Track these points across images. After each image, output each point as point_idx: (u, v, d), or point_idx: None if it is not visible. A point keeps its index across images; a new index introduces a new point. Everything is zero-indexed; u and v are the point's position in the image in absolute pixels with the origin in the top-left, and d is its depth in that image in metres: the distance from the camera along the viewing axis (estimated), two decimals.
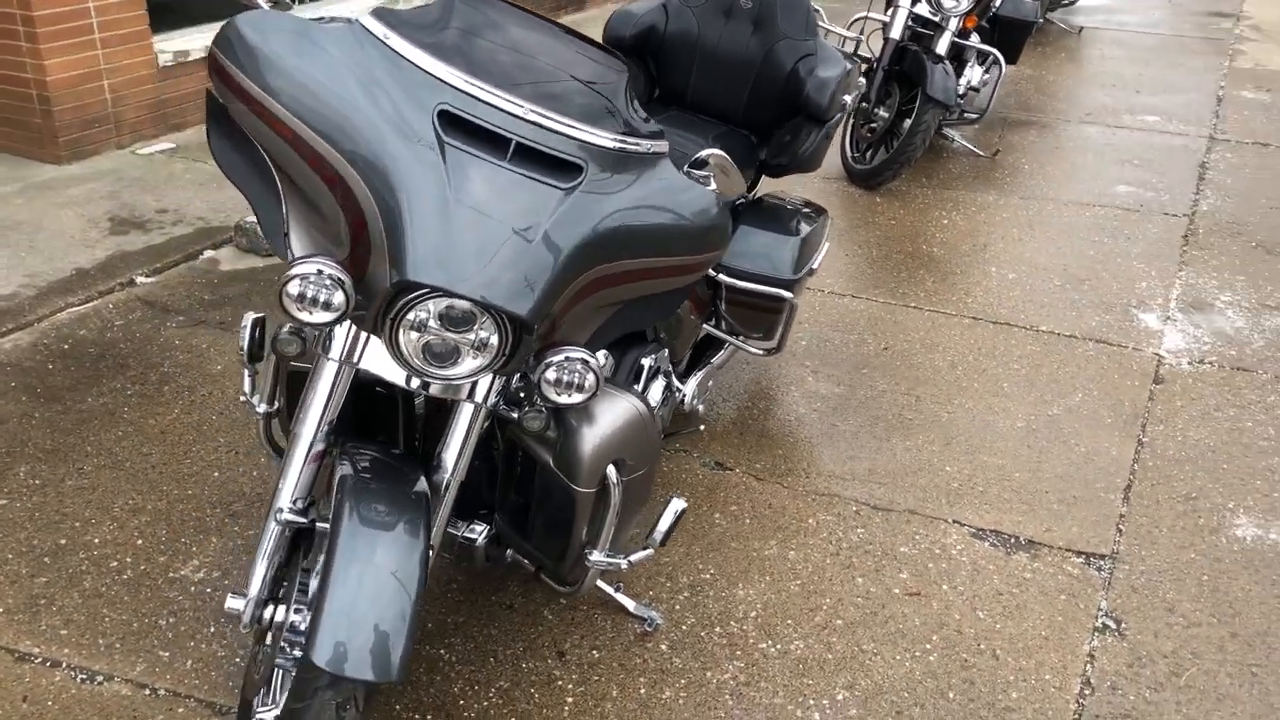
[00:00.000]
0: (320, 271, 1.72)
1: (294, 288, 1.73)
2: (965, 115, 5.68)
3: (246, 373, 2.31)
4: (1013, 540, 2.88)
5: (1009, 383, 3.65)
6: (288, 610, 1.92)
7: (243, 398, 2.31)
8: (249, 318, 2.29)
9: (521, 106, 1.84)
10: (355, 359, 1.91)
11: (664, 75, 3.21)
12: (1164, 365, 3.80)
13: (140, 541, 2.73)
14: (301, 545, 2.03)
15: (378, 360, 1.92)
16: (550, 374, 1.89)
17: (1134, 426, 3.42)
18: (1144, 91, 7.30)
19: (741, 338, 3.10)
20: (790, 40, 3.08)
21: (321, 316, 1.76)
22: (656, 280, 2.05)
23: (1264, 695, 2.42)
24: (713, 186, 2.12)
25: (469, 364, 1.81)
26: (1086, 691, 2.41)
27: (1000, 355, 3.83)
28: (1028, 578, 2.75)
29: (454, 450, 1.99)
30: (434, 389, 1.94)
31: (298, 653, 1.95)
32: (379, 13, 1.93)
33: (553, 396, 1.90)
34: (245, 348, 2.28)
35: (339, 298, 1.74)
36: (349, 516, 1.81)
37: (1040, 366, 3.76)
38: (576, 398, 1.91)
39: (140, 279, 4.09)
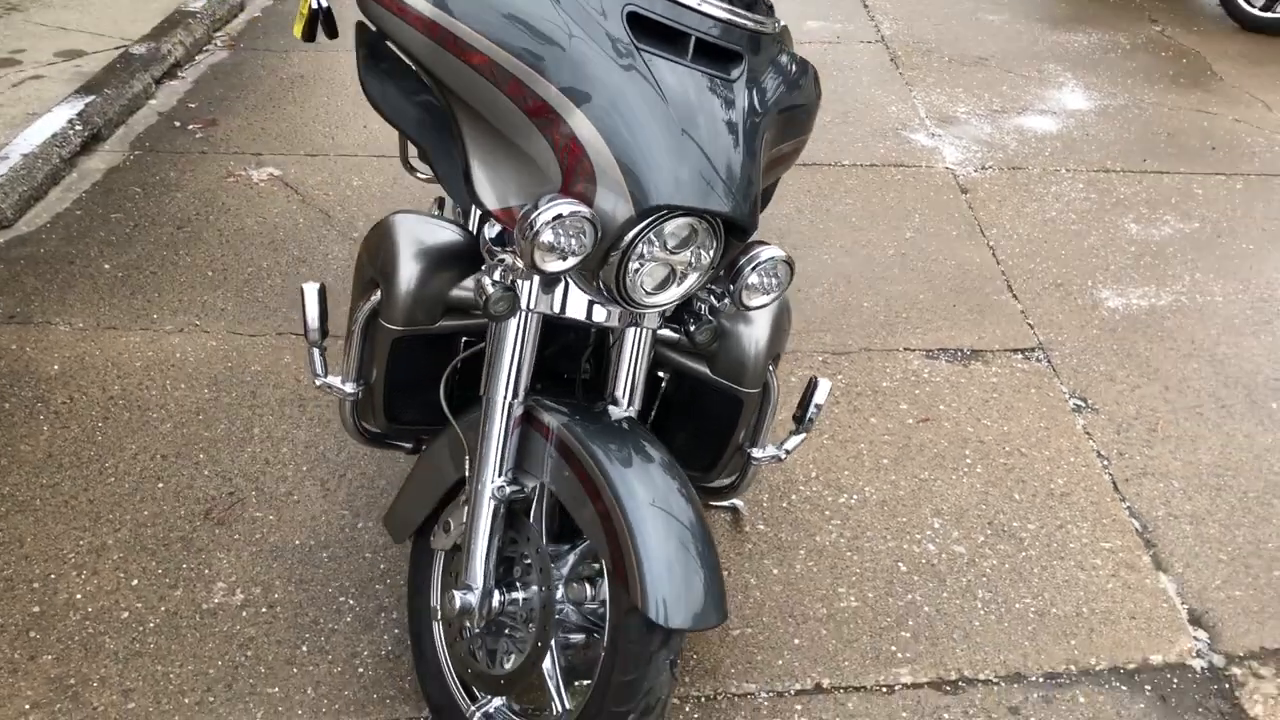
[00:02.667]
0: (572, 214, 1.51)
1: (548, 236, 1.51)
2: None
3: (317, 353, 1.99)
4: (960, 353, 3.16)
5: (856, 218, 3.90)
6: (549, 590, 1.74)
7: (318, 381, 1.98)
8: (311, 289, 1.97)
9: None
10: (548, 305, 1.73)
11: None
12: (959, 177, 4.23)
13: (135, 582, 2.27)
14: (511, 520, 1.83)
15: (569, 301, 1.74)
16: (753, 278, 1.77)
17: (975, 233, 3.81)
18: None
19: None
20: None
21: (569, 264, 1.56)
22: (783, 166, 2.00)
23: (1219, 426, 2.90)
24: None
25: (686, 284, 1.68)
26: (1104, 462, 2.75)
27: (830, 194, 4.06)
28: (995, 381, 3.04)
29: (627, 380, 1.85)
30: (618, 319, 1.79)
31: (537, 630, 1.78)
32: None
33: (752, 301, 1.80)
34: (316, 325, 1.96)
35: (588, 240, 1.55)
36: (611, 464, 1.67)
37: (869, 198, 4.04)
38: (770, 298, 1.83)
39: None
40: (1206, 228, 3.91)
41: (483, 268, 1.69)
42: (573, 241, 1.53)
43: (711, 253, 1.65)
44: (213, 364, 2.94)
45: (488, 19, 1.54)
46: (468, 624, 1.80)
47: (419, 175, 2.97)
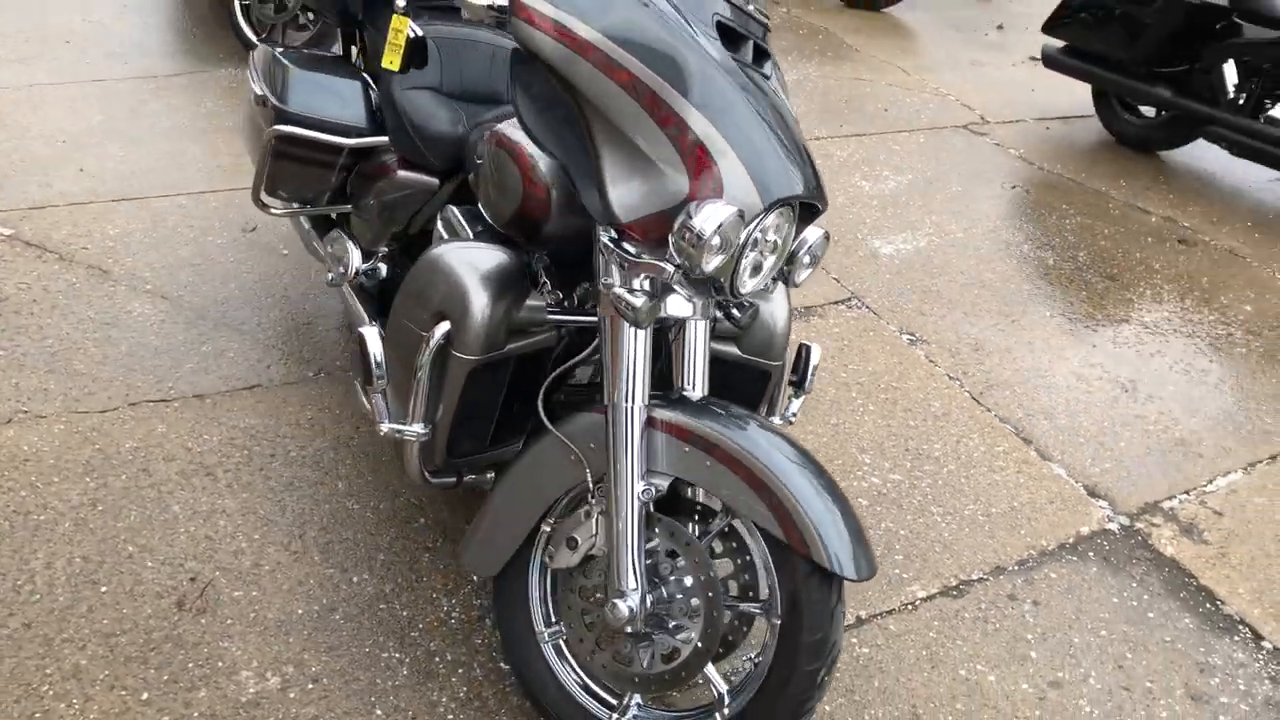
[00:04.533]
0: (730, 216, 1.60)
1: (717, 240, 1.59)
2: None
3: (381, 399, 1.91)
4: (796, 311, 3.47)
5: None
6: (709, 577, 1.80)
7: (384, 428, 1.91)
8: (372, 334, 1.90)
9: (751, 3, 1.84)
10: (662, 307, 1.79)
11: None
12: None
13: (144, 695, 2.01)
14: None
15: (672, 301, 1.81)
16: (805, 256, 1.93)
17: None
18: None
19: None
20: None
21: (722, 260, 1.65)
22: None
23: (1018, 337, 3.43)
24: None
25: (768, 267, 1.81)
26: (958, 383, 3.18)
27: None
28: (838, 331, 3.38)
29: (692, 366, 1.94)
30: (700, 311, 1.87)
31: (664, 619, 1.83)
32: None
33: (799, 277, 1.96)
34: (382, 370, 1.89)
35: (736, 237, 1.65)
36: (746, 440, 1.74)
37: None
38: (810, 272, 2.00)
39: None
40: (919, 178, 4.53)
41: (607, 282, 1.72)
42: (732, 240, 1.62)
43: (790, 236, 1.78)
44: (75, 450, 2.58)
45: (633, 40, 1.60)
46: (629, 630, 1.80)
47: (272, 211, 2.80)
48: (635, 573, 1.78)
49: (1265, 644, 2.35)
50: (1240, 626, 2.39)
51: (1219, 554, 2.59)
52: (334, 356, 3.02)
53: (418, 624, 2.20)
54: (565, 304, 2.02)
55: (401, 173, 2.47)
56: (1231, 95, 4.41)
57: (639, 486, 1.76)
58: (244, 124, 2.92)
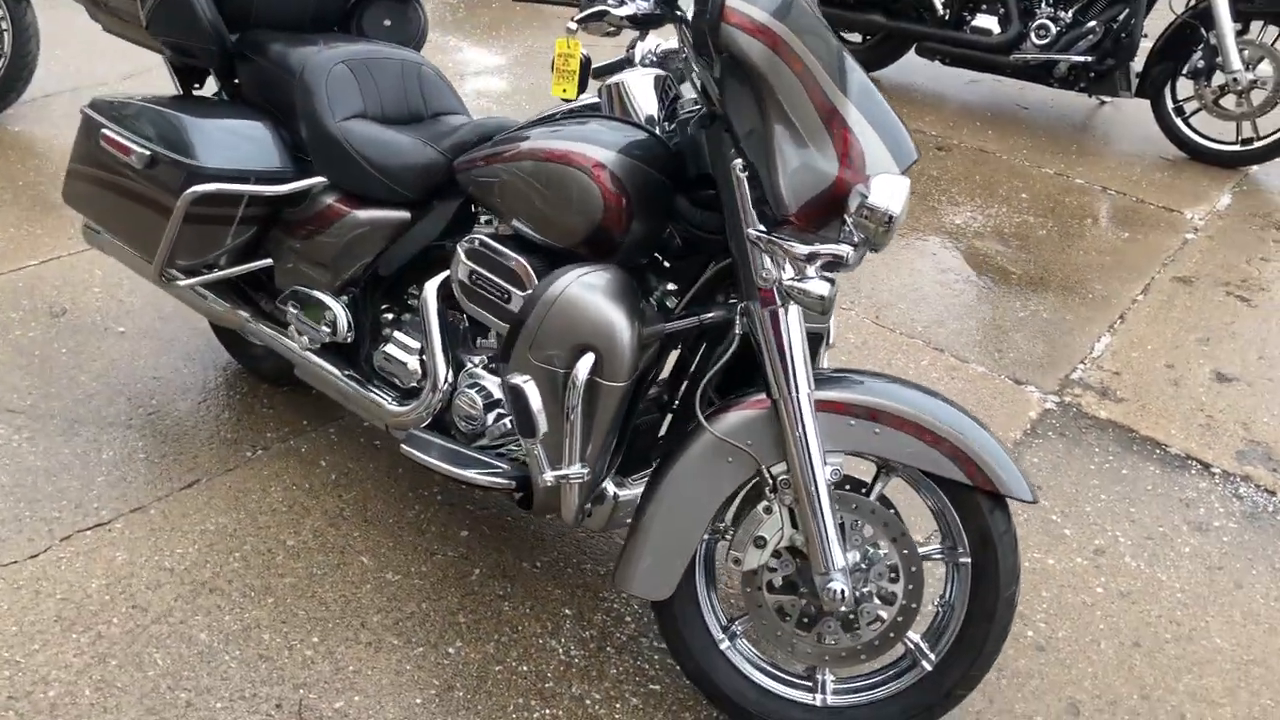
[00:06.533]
0: (907, 188, 1.66)
1: (904, 214, 1.65)
2: None
3: (542, 449, 1.81)
4: None
5: None
6: (904, 536, 1.86)
7: (549, 478, 1.83)
8: (528, 384, 1.79)
9: None
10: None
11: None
12: None
13: None
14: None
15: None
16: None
17: None
18: None
19: None
20: None
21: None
22: None
23: (876, 260, 3.69)
24: None
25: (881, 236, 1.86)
26: (854, 311, 3.39)
27: None
28: None
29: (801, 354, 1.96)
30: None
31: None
32: None
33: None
34: (540, 413, 1.80)
35: None
36: (898, 396, 1.81)
37: None
38: None
39: None
40: None
41: (766, 276, 1.71)
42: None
43: None
44: (33, 608, 2.17)
45: (803, 30, 1.63)
46: (843, 607, 1.82)
47: (179, 284, 2.49)
48: (838, 552, 1.80)
49: (1214, 469, 2.75)
50: (1190, 461, 2.77)
51: (1140, 406, 2.98)
52: (259, 429, 2.72)
53: (545, 675, 2.09)
54: (658, 313, 1.98)
55: (361, 212, 2.27)
56: (941, 13, 4.92)
57: (825, 471, 1.78)
58: (88, 194, 2.54)
